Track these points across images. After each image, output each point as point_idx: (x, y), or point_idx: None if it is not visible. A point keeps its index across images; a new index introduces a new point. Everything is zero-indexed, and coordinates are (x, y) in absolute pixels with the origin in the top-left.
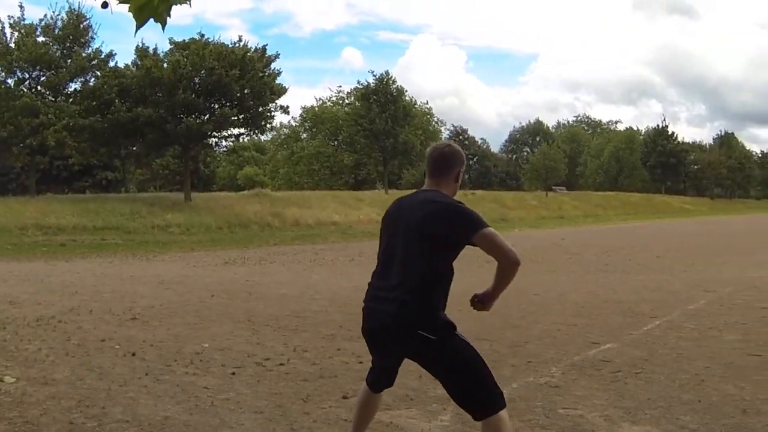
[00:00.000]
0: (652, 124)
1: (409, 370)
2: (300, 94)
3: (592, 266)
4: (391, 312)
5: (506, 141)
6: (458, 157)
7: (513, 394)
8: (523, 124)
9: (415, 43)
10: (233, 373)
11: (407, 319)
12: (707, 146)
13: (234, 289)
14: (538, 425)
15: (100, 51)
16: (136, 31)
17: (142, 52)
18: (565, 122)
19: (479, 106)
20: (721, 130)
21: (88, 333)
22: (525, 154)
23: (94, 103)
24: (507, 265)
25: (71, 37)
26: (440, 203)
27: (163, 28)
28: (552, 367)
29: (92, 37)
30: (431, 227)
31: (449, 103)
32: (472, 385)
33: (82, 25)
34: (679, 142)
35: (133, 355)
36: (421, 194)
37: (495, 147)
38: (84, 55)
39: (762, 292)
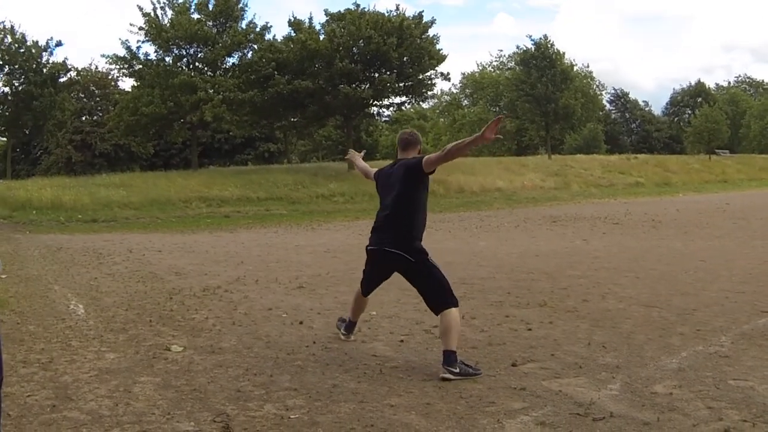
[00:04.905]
0: None
1: (578, 338)
2: (454, 61)
3: (759, 232)
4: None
5: (667, 104)
6: (416, 140)
7: (683, 364)
8: (684, 86)
9: (566, 7)
10: (401, 341)
11: (390, 240)
12: None
13: None
14: (708, 396)
15: (255, 24)
16: None
17: (296, 24)
18: (726, 83)
19: (633, 69)
20: None
21: (254, 302)
22: (687, 116)
23: (253, 76)
24: None
25: (224, 13)
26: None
27: None
28: (721, 336)
29: (243, 10)
30: None
31: (603, 67)
32: None
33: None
34: None
35: (301, 323)
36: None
37: (654, 110)
38: (239, 29)
39: None
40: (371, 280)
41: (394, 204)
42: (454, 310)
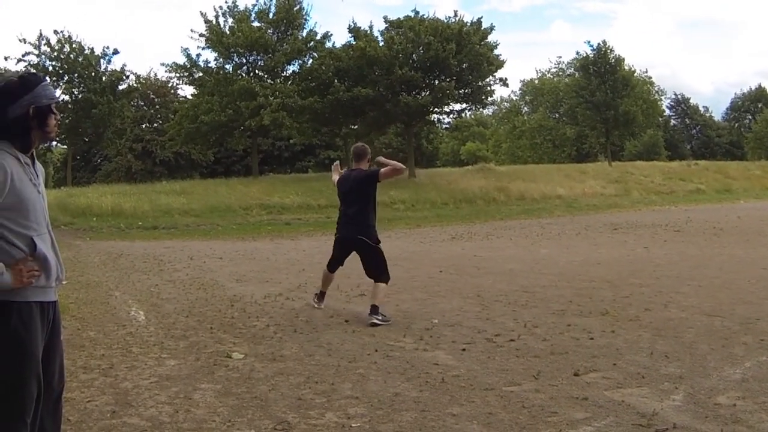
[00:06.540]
0: None
1: (640, 348)
2: (512, 68)
3: None
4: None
5: (728, 109)
6: (367, 151)
7: (746, 374)
8: (744, 90)
9: (623, 13)
10: (464, 350)
11: (359, 231)
12: None
13: (462, 265)
14: None
15: (315, 32)
16: None
17: (356, 31)
18: None
19: (690, 74)
20: None
21: (315, 310)
22: (747, 122)
23: (313, 84)
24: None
25: (285, 21)
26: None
27: None
28: None
29: (305, 19)
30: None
31: (660, 72)
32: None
33: (295, 9)
34: None
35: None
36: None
37: (713, 116)
38: (300, 37)
39: None
40: (338, 260)
41: (357, 203)
42: (383, 284)
